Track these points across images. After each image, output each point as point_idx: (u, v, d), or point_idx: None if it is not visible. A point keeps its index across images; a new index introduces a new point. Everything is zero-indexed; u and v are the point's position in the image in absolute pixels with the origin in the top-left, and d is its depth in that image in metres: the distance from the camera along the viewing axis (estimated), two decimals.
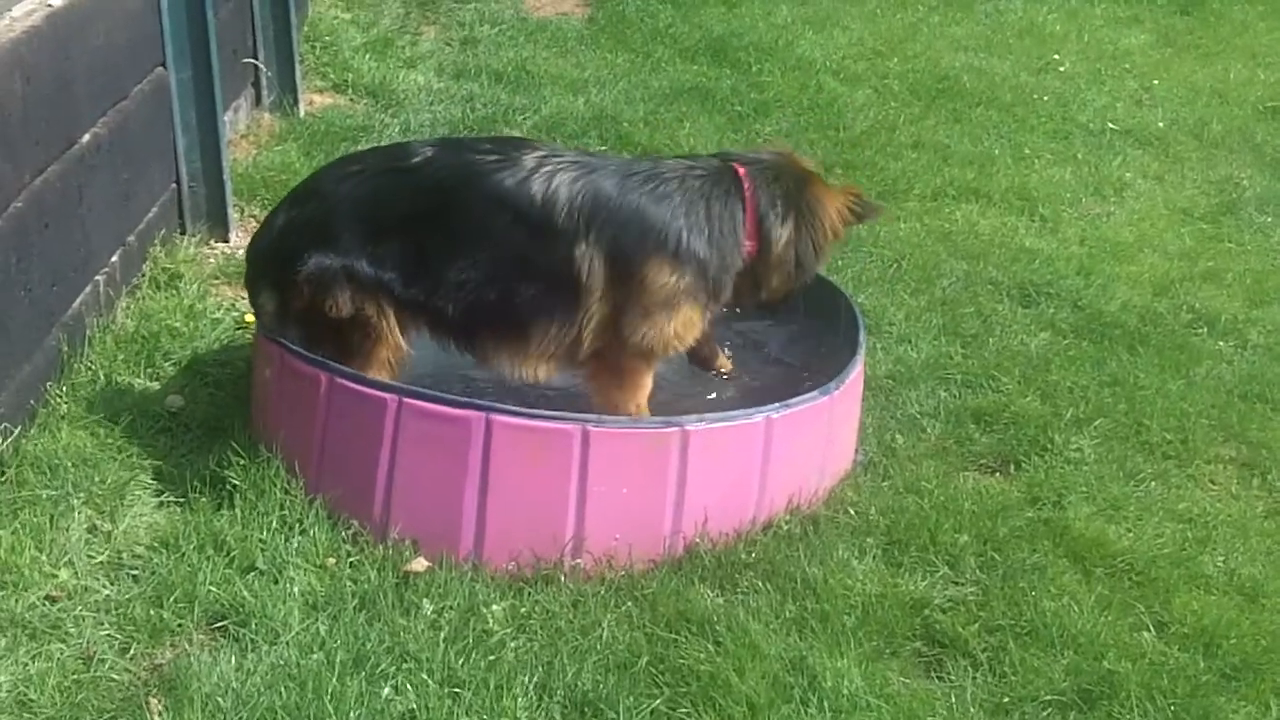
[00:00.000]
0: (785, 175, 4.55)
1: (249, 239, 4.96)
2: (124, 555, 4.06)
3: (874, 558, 4.30)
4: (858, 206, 4.65)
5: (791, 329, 5.23)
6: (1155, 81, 9.24)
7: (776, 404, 4.35)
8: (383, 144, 6.79)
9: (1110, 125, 8.38)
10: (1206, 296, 6.23)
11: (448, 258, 4.35)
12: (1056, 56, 9.61)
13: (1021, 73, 9.22)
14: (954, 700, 3.80)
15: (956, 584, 4.23)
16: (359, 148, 6.94)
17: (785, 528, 4.38)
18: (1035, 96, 8.76)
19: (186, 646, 3.75)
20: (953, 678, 3.89)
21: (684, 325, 4.42)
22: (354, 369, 4.30)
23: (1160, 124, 8.46)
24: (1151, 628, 4.11)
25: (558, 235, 4.30)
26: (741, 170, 4.49)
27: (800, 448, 4.43)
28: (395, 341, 4.40)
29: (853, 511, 4.50)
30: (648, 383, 4.51)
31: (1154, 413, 5.19)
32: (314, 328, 4.39)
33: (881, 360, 5.42)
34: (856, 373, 4.67)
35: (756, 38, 9.38)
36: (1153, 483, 4.83)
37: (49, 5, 4.69)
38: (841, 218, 4.59)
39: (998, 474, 4.84)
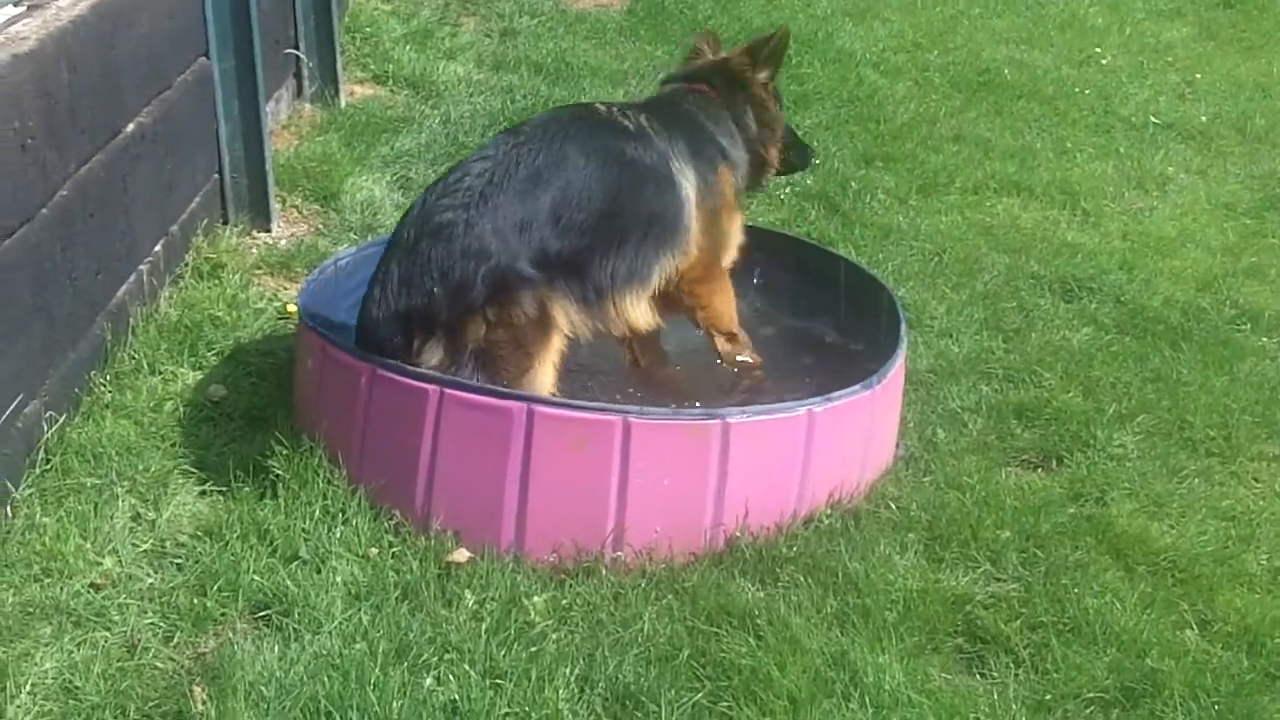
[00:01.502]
0: (726, 76, 5.01)
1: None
2: (167, 544, 4.07)
3: (915, 553, 4.28)
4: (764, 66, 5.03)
5: (835, 321, 5.22)
6: (1197, 75, 9.19)
7: (819, 397, 4.34)
8: (435, 152, 6.86)
9: (1152, 119, 8.34)
10: (1250, 292, 6.19)
11: (588, 211, 4.44)
12: (1098, 49, 9.56)
13: (1063, 66, 9.19)
14: (996, 697, 3.78)
15: (998, 580, 4.21)
16: (399, 139, 6.99)
17: (826, 522, 4.36)
18: (1077, 90, 8.73)
19: (230, 635, 3.76)
20: (995, 674, 3.87)
21: (741, 220, 4.94)
22: (538, 370, 4.32)
23: (1203, 118, 8.42)
24: (1195, 626, 4.08)
25: (660, 160, 4.62)
26: (707, 87, 4.96)
27: (842, 441, 4.42)
28: (568, 326, 4.44)
29: (894, 506, 4.49)
30: (731, 287, 4.86)
31: (1197, 409, 5.16)
32: (495, 351, 4.30)
33: (923, 354, 5.40)
34: (898, 367, 4.66)
35: (796, 29, 9.29)
36: (1196, 480, 4.80)
37: None
38: (766, 90, 5.04)
39: (1040, 470, 4.82)
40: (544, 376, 4.35)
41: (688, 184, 4.63)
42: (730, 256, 4.85)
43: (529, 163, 4.41)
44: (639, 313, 4.60)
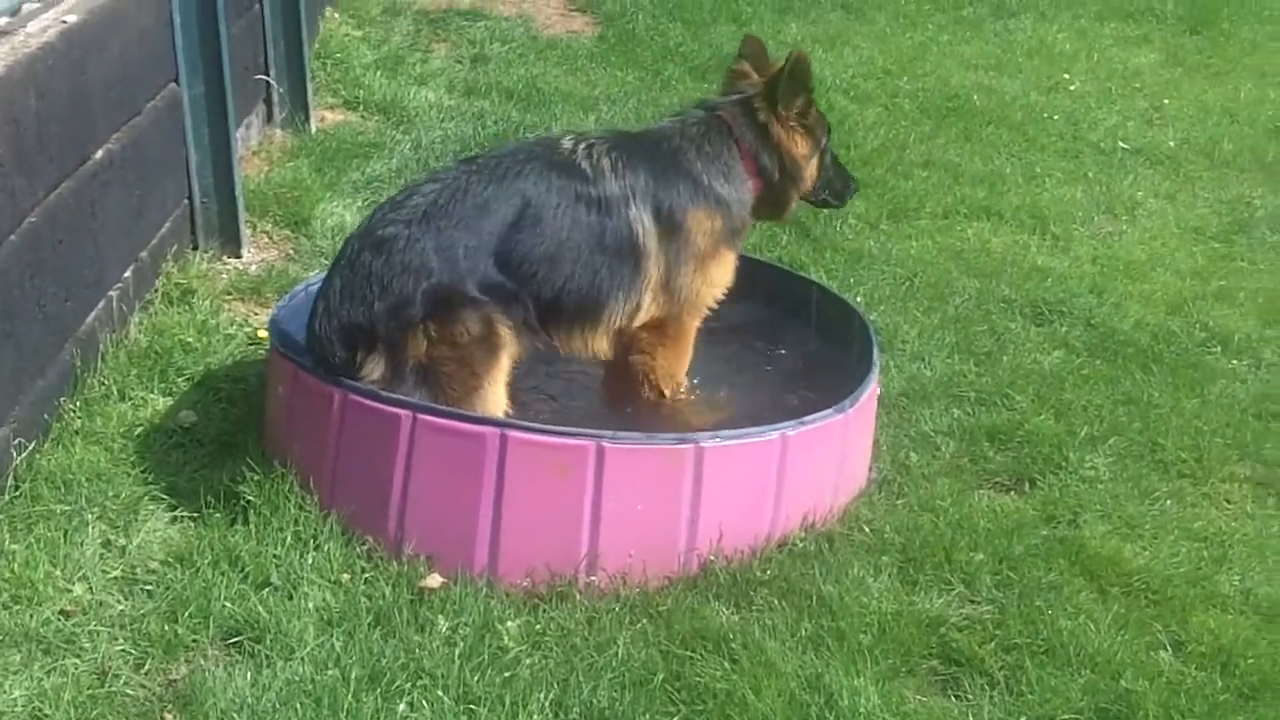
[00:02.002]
0: (748, 114, 4.76)
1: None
2: (138, 570, 4.04)
3: (890, 576, 4.28)
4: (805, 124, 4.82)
5: (806, 347, 5.23)
6: (1165, 101, 9.26)
7: (792, 421, 4.34)
8: (406, 178, 6.81)
9: (1121, 144, 8.39)
10: (1219, 315, 6.22)
11: (530, 252, 4.39)
12: (1066, 76, 9.63)
13: (1031, 92, 9.24)
14: (971, 719, 3.78)
15: (973, 602, 4.21)
16: (370, 164, 6.99)
17: (800, 545, 4.36)
18: (1046, 115, 8.78)
19: (201, 662, 3.73)
20: (970, 697, 3.87)
21: (725, 270, 4.71)
22: (487, 389, 4.31)
23: (1171, 143, 8.47)
24: (1169, 647, 4.09)
25: (612, 203, 4.49)
26: (726, 116, 4.73)
27: (815, 465, 4.42)
28: (515, 346, 4.42)
29: (868, 529, 4.49)
30: (691, 347, 4.75)
31: (1168, 431, 5.18)
32: (438, 368, 4.27)
33: (895, 378, 5.41)
34: (871, 390, 4.66)
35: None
36: (1168, 501, 4.81)
37: (64, 22, 4.69)
38: (790, 126, 4.77)
39: (1012, 492, 4.83)
40: (494, 395, 4.33)
41: (643, 230, 4.51)
42: (699, 313, 4.72)
43: (478, 192, 4.39)
44: (596, 346, 4.60)
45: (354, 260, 4.31)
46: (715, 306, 4.75)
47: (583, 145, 4.58)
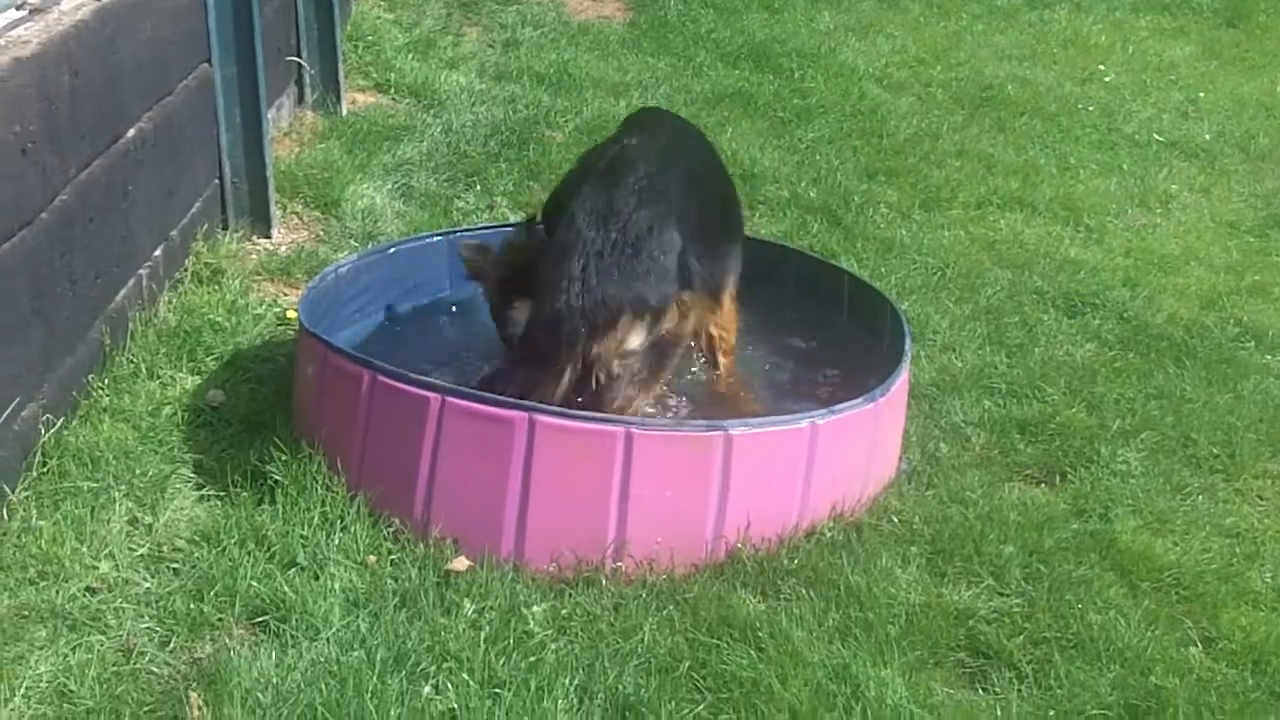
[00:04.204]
0: None
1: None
2: (164, 548, 4.04)
3: (918, 567, 4.25)
4: None
5: (836, 335, 5.20)
6: (1201, 94, 9.18)
7: (822, 409, 4.32)
8: (437, 161, 6.84)
9: (1156, 137, 8.33)
10: (1254, 310, 6.17)
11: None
12: (1101, 67, 9.55)
13: (1066, 83, 9.17)
14: (999, 713, 3.74)
15: (1001, 595, 4.18)
16: (401, 147, 6.98)
17: (829, 535, 4.33)
18: (1080, 107, 8.71)
19: (227, 641, 3.72)
20: (997, 690, 3.83)
21: None
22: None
23: (1206, 136, 8.40)
24: (1199, 643, 4.05)
25: None
26: None
27: (845, 454, 4.39)
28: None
29: (896, 520, 4.46)
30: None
31: (1201, 426, 5.13)
32: (676, 341, 4.47)
33: (925, 368, 5.38)
34: (902, 380, 4.63)
35: (799, 44, 9.36)
36: (1200, 497, 4.77)
37: (98, 0, 4.69)
38: None
39: (1043, 485, 4.79)
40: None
41: None
42: None
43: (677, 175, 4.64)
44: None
45: (610, 238, 4.35)
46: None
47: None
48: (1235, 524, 4.63)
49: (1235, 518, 4.67)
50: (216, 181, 5.86)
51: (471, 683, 3.61)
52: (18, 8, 4.45)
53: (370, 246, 5.69)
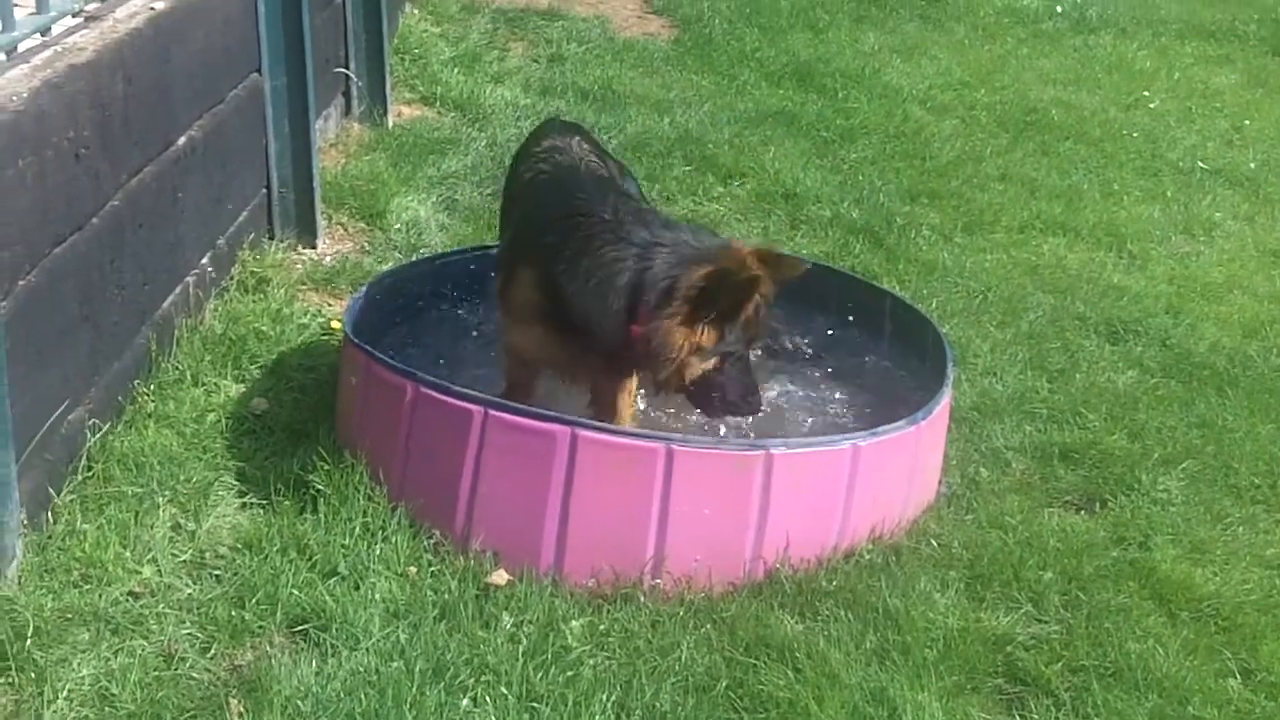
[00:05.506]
0: None
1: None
2: (207, 555, 4.07)
3: (956, 591, 4.24)
4: None
5: (878, 357, 5.20)
6: (1246, 121, 9.15)
7: (863, 431, 4.32)
8: (481, 175, 6.92)
9: (1200, 164, 8.30)
10: None
11: None
12: (1146, 93, 9.54)
13: (1110, 108, 9.16)
14: None
15: (1040, 621, 4.17)
16: (446, 160, 7.02)
17: (867, 557, 4.33)
18: (1124, 132, 8.70)
19: (267, 649, 3.75)
20: (1035, 716, 3.82)
21: None
22: None
23: (1251, 164, 8.37)
24: (1238, 674, 4.03)
25: None
26: None
27: (885, 477, 4.39)
28: None
29: (935, 543, 4.45)
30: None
31: (1243, 456, 5.11)
32: None
33: (966, 392, 5.36)
34: (944, 404, 4.63)
35: (843, 64, 9.37)
36: (1240, 527, 4.74)
37: (152, 9, 4.73)
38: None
39: (1083, 512, 4.77)
40: None
41: None
42: None
43: None
44: None
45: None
46: None
47: None
48: (1276, 555, 4.60)
49: (1276, 549, 4.64)
50: (264, 191, 5.91)
51: (509, 696, 3.62)
52: (74, 15, 4.50)
53: (415, 258, 5.73)
